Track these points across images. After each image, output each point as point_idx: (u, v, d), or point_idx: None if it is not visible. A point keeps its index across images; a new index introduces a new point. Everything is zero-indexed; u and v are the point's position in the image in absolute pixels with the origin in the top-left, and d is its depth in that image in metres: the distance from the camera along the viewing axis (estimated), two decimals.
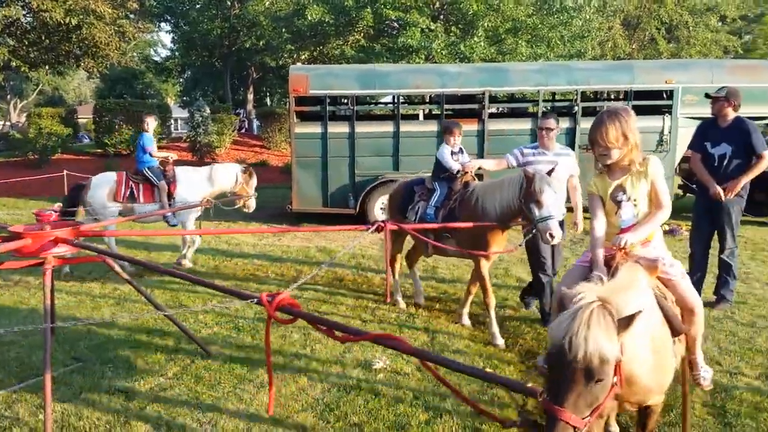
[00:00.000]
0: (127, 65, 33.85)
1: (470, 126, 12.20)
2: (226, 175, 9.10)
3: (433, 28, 19.20)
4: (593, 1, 21.59)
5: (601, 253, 3.12)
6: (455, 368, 2.48)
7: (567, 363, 2.22)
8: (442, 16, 20.77)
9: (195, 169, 9.25)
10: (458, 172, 6.21)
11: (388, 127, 12.38)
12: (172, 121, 36.58)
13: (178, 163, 9.93)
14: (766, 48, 32.48)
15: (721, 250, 6.59)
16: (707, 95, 6.62)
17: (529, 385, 2.40)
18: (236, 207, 9.47)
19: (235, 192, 9.15)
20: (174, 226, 8.92)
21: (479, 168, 6.48)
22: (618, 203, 3.23)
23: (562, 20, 20.34)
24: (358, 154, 12.32)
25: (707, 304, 6.52)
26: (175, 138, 28.90)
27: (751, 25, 37.82)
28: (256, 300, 2.94)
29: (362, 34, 22.38)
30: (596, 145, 3.13)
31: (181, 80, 47.41)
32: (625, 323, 2.30)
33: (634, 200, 3.19)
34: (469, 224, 5.72)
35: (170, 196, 8.72)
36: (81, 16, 20.07)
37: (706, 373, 3.40)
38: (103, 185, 8.64)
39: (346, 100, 13.08)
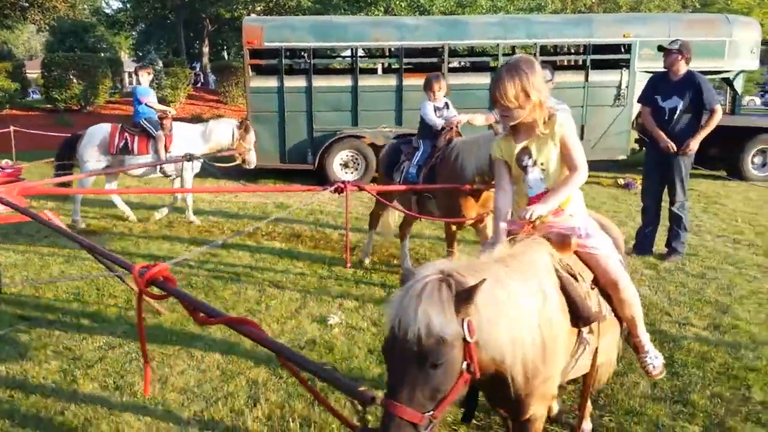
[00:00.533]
0: (77, 18, 32.60)
1: None
2: (222, 132, 8.85)
3: None
4: None
5: (503, 228, 2.72)
6: (306, 369, 2.05)
7: (398, 346, 1.91)
8: None
9: (190, 126, 9.06)
10: (443, 128, 5.75)
11: (346, 82, 12.17)
12: (126, 75, 35.52)
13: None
14: (723, 2, 32.71)
15: (672, 203, 6.68)
16: (660, 48, 6.61)
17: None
18: (235, 163, 9.24)
19: (232, 148, 8.90)
20: (170, 178, 8.78)
21: (468, 123, 5.79)
22: (524, 168, 2.79)
23: None
24: (316, 109, 12.11)
25: (659, 257, 6.67)
26: (128, 93, 28.05)
27: None
28: (125, 272, 2.64)
29: None
30: (496, 104, 2.68)
31: (133, 33, 45.91)
32: (465, 296, 1.94)
33: (542, 164, 2.75)
34: (435, 186, 5.52)
35: (166, 149, 8.49)
36: None
37: (655, 360, 3.01)
38: (95, 137, 8.50)
39: (303, 53, 12.79)
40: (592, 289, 2.68)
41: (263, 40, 12.02)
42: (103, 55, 32.37)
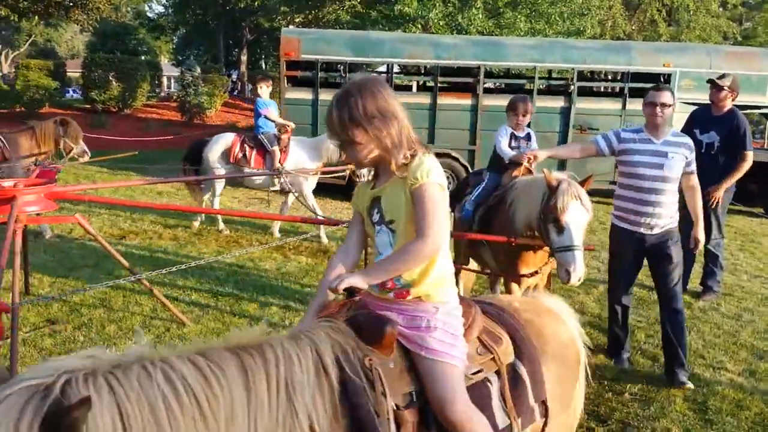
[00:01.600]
0: (120, 20, 33.25)
1: (464, 100, 12.04)
2: (333, 147, 8.39)
3: None
4: None
5: (319, 301, 2.11)
6: None
7: None
8: None
9: (304, 140, 8.99)
10: (510, 162, 4.82)
11: None
12: (165, 80, 36.03)
13: (174, 123, 9.64)
14: (766, 36, 32.22)
15: (707, 240, 6.50)
16: (709, 81, 6.44)
17: None
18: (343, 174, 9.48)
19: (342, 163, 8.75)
20: (281, 191, 8.74)
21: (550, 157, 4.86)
22: (373, 225, 2.13)
23: None
24: None
25: (694, 295, 6.50)
26: (164, 97, 28.46)
27: (752, 11, 37.52)
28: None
29: (358, 0, 21.99)
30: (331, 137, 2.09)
31: (174, 38, 46.68)
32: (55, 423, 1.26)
33: (390, 222, 2.05)
34: (471, 235, 4.88)
35: (280, 164, 8.42)
36: None
37: None
38: (218, 145, 8.65)
39: (339, 67, 12.84)
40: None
41: (300, 52, 12.09)
42: (143, 58, 32.95)
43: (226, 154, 8.56)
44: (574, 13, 21.11)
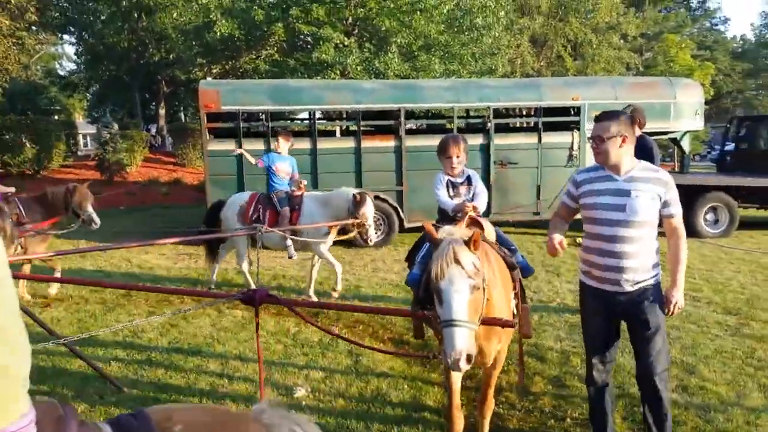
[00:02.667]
0: (30, 79, 32.31)
1: (387, 142, 12.28)
2: (340, 200, 8.09)
3: (347, 43, 19.23)
4: (501, 19, 22.15)
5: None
6: None
7: None
8: (356, 32, 20.85)
9: (314, 195, 8.60)
10: (456, 212, 4.19)
11: (304, 144, 12.23)
12: (81, 138, 35.10)
13: (94, 183, 9.30)
14: (665, 65, 34.29)
15: None
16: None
17: None
18: (351, 235, 9.04)
19: (353, 217, 7.89)
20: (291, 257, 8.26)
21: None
22: None
23: (473, 38, 20.80)
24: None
25: None
26: (82, 156, 27.70)
27: (650, 42, 39.87)
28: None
29: (275, 49, 22.14)
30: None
31: (87, 95, 45.62)
32: None
33: None
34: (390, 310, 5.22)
35: (292, 223, 8.07)
36: None
37: None
38: (234, 205, 8.41)
39: (261, 116, 12.88)
40: None
41: (220, 103, 12.08)
42: (56, 117, 32.01)
43: (242, 214, 8.25)
44: (484, 53, 21.92)
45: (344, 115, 15.07)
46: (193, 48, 22.94)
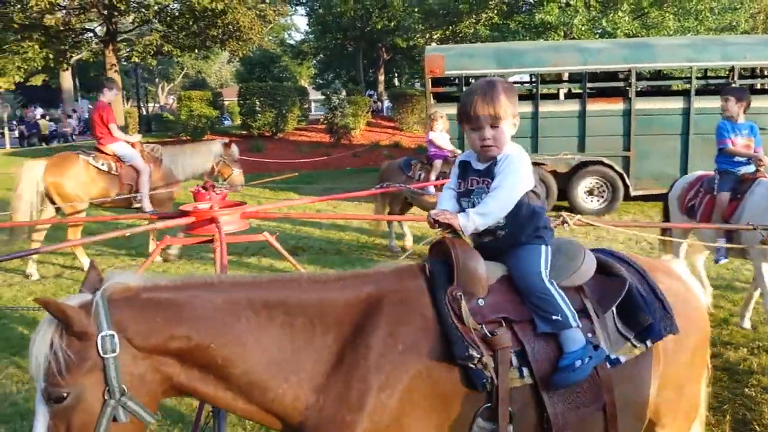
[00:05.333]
0: (266, 49, 35.43)
1: (614, 105, 11.78)
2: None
3: (572, 3, 18.56)
4: None
5: None
6: None
7: None
8: None
9: None
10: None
11: (526, 108, 12.13)
12: (312, 104, 37.86)
13: (323, 145, 10.07)
14: None
15: None
16: None
17: None
18: None
19: None
20: None
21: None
22: None
23: None
24: None
25: None
26: (312, 120, 29.92)
27: None
28: None
29: (496, 12, 22.01)
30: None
31: (314, 63, 48.89)
32: None
33: None
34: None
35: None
36: (226, 1, 21.15)
37: None
38: (677, 188, 6.65)
39: None
40: None
41: (444, 68, 12.35)
42: (289, 84, 34.84)
43: (680, 199, 6.48)
44: (724, 8, 19.95)
45: (568, 78, 14.64)
46: (414, 15, 23.58)
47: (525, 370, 2.16)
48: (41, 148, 27.48)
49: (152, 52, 22.95)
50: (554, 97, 14.58)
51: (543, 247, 2.35)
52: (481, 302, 2.20)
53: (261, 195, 13.65)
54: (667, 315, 2.39)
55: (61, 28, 21.01)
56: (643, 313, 2.34)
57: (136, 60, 24.02)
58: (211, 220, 5.11)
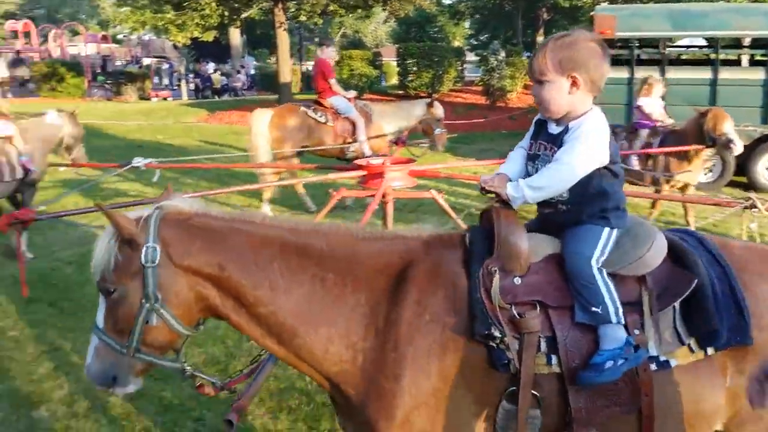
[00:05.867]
0: (423, 8, 35.49)
1: None
2: None
3: None
4: None
5: None
6: None
7: None
8: None
9: None
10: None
11: (704, 74, 11.48)
12: (466, 65, 37.72)
13: (479, 107, 10.16)
14: None
15: None
16: None
17: None
18: None
19: None
20: None
21: None
22: None
23: None
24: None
25: None
26: (468, 81, 29.83)
27: None
28: None
29: None
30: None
31: (468, 22, 48.32)
32: None
33: None
34: None
35: None
36: None
37: None
38: None
39: (656, 43, 12.40)
40: None
41: (615, 30, 11.90)
42: (444, 44, 34.81)
43: None
44: None
45: (751, 43, 13.58)
46: None
47: (554, 358, 2.04)
48: (214, 100, 29.58)
49: (319, 11, 23.74)
50: (736, 63, 13.61)
51: (606, 230, 2.14)
52: (517, 280, 2.08)
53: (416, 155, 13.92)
54: (743, 323, 2.08)
55: None
56: (709, 316, 2.06)
57: (303, 19, 24.92)
58: (381, 175, 5.47)
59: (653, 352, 2.08)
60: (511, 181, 2.22)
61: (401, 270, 2.13)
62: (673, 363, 2.09)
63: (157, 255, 2.03)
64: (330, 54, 9.60)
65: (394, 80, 28.70)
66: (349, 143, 8.99)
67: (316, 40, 59.73)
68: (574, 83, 2.11)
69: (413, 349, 2.02)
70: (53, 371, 4.43)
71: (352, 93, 9.69)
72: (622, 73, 11.92)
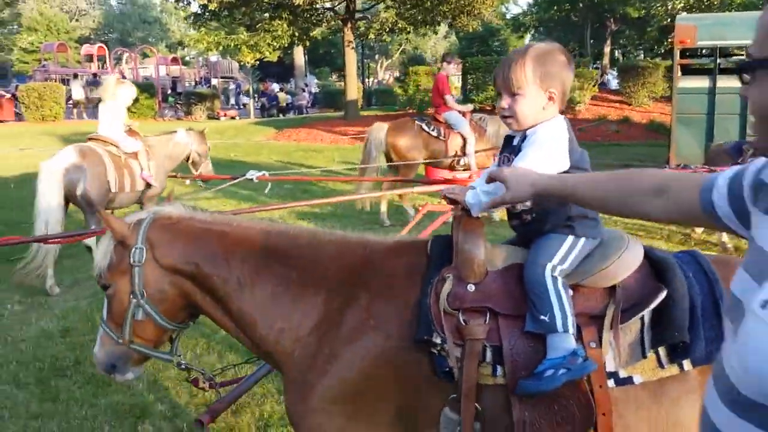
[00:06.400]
0: (487, 22, 35.38)
1: None
2: None
3: None
4: None
5: None
6: None
7: None
8: None
9: None
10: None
11: None
12: None
13: None
14: None
15: None
16: None
17: None
18: None
19: None
20: None
21: None
22: None
23: None
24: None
25: None
26: None
27: None
28: None
29: None
30: None
31: (532, 34, 47.86)
32: None
33: None
34: None
35: None
36: None
37: None
38: None
39: (739, 52, 12.01)
40: None
41: (696, 39, 11.62)
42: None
43: None
44: None
45: None
46: None
47: (499, 369, 1.97)
48: (280, 119, 30.17)
49: (388, 29, 23.93)
50: None
51: (569, 238, 2.05)
52: (470, 287, 2.02)
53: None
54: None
55: (307, 7, 22.71)
56: (679, 327, 1.93)
57: (372, 37, 25.21)
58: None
59: (611, 367, 1.96)
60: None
61: (360, 275, 2.18)
62: (638, 379, 1.96)
63: (143, 255, 2.21)
64: (450, 70, 9.84)
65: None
66: (460, 157, 9.16)
67: (376, 56, 60.44)
68: (550, 98, 2.08)
69: (349, 350, 2.06)
70: (153, 384, 4.52)
71: (469, 107, 9.85)
72: (704, 83, 11.60)
